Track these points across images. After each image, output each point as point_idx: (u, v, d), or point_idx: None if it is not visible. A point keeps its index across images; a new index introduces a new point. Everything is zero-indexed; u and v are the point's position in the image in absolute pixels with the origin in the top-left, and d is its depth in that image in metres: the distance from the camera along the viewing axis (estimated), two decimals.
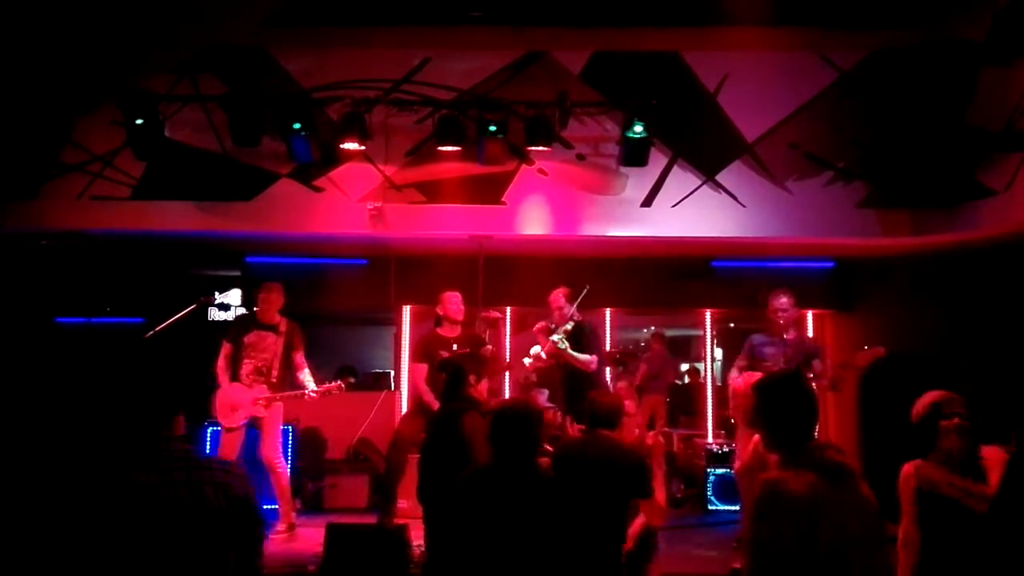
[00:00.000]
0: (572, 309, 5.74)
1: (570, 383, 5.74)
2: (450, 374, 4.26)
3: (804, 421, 2.52)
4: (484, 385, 5.36)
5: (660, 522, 4.08)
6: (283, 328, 5.86)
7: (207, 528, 1.88)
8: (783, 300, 5.60)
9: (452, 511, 3.04)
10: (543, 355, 5.76)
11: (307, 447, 7.02)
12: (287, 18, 6.46)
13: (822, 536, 2.23)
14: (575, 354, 5.61)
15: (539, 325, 6.05)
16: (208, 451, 6.27)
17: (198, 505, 1.88)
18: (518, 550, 2.86)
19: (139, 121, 5.97)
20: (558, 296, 5.86)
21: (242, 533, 1.94)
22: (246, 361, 5.75)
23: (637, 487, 3.75)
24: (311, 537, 5.30)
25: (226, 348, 5.82)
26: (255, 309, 6.12)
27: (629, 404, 4.41)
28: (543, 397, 7.42)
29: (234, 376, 5.72)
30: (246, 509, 1.96)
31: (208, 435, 6.46)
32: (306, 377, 5.84)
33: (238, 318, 6.48)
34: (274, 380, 5.75)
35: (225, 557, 1.91)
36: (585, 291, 5.79)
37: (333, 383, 5.95)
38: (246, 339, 5.79)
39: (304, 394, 5.75)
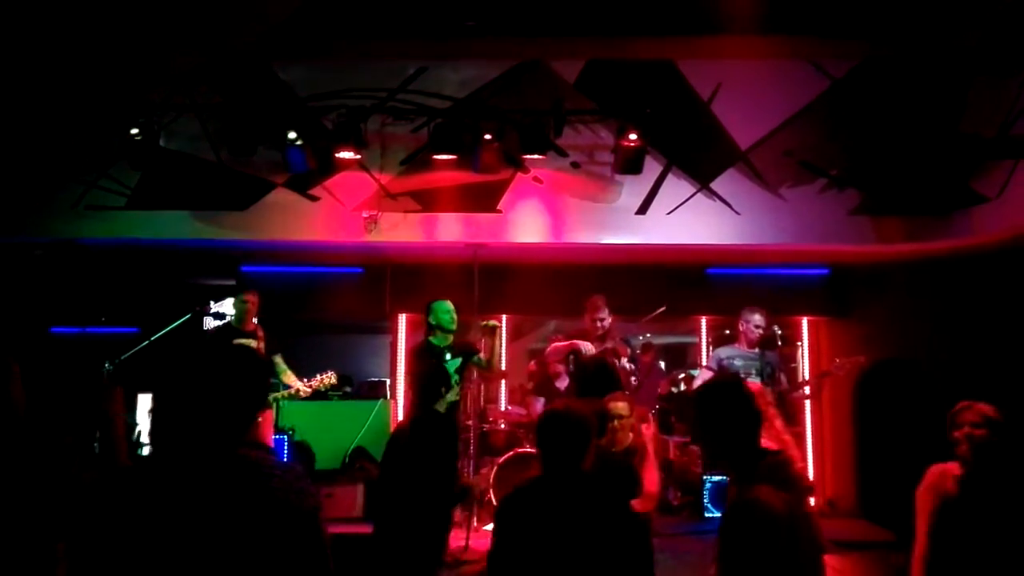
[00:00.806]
0: (610, 320, 5.86)
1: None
2: (424, 384, 4.20)
3: (751, 430, 2.40)
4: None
5: (651, 506, 4.13)
6: (260, 334, 5.98)
7: (250, 532, 1.79)
8: (758, 317, 5.64)
9: (501, 528, 2.87)
10: (590, 349, 5.75)
11: (302, 456, 7.01)
12: (283, 29, 6.47)
13: (799, 551, 2.17)
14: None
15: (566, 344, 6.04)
16: None
17: (239, 511, 1.79)
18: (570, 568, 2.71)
19: (134, 131, 5.98)
20: (599, 304, 5.81)
21: (286, 542, 1.81)
22: None
23: (628, 491, 3.81)
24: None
25: None
26: (230, 318, 6.23)
27: (624, 405, 4.42)
28: (539, 405, 7.42)
29: None
30: (288, 515, 1.83)
31: None
32: (290, 377, 5.96)
33: (217, 329, 6.50)
34: None
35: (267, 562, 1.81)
36: (661, 310, 5.82)
37: (324, 374, 6.00)
38: None
39: (297, 390, 5.84)
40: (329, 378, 6.02)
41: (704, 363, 5.86)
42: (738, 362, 5.62)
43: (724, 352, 5.76)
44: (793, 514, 2.20)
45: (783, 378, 5.84)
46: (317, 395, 6.49)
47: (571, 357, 5.90)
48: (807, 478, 2.31)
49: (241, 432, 1.90)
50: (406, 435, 4.04)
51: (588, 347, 5.76)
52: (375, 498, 4.12)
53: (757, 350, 5.64)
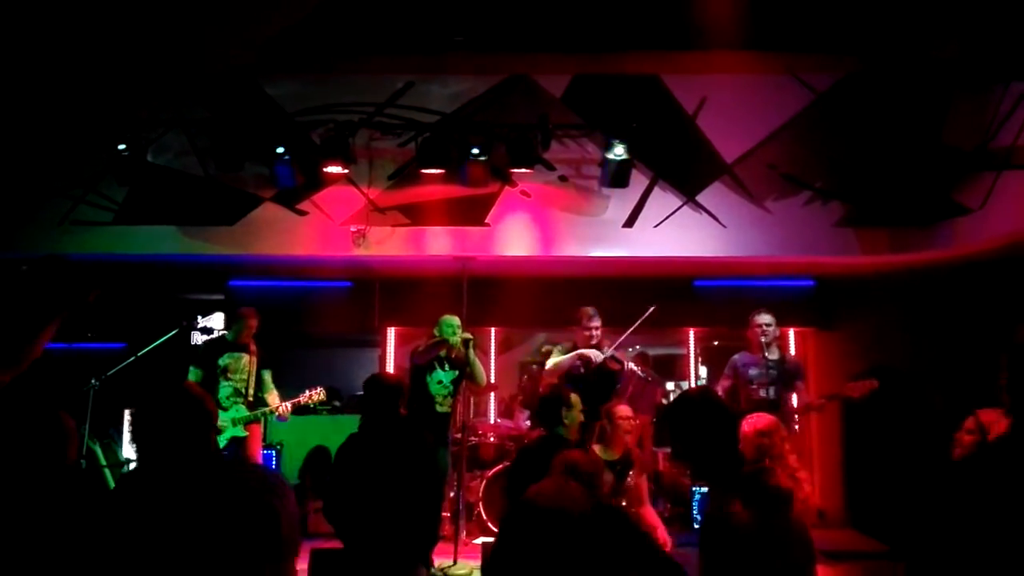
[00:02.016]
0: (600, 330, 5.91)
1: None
2: (390, 392, 4.21)
3: (728, 443, 2.36)
4: None
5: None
6: (253, 348, 6.00)
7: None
8: (765, 318, 5.63)
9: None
10: (600, 359, 5.77)
11: (321, 462, 6.99)
12: (272, 45, 6.49)
13: (775, 562, 2.16)
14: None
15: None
16: None
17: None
18: None
19: (121, 146, 5.96)
20: (591, 314, 5.86)
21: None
22: (224, 384, 5.84)
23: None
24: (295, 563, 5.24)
25: (197, 374, 5.85)
26: (225, 333, 6.25)
27: (627, 409, 4.51)
28: (523, 416, 7.45)
29: None
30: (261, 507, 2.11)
31: None
32: (272, 396, 6.00)
33: (209, 343, 6.48)
34: (250, 399, 5.84)
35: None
36: (652, 310, 5.81)
37: (313, 389, 6.03)
38: (221, 362, 5.88)
39: (287, 406, 5.87)
40: (318, 394, 6.02)
41: (725, 370, 5.85)
42: (753, 371, 5.57)
43: (740, 359, 5.70)
44: (767, 526, 2.18)
45: (802, 386, 5.78)
46: (306, 410, 6.48)
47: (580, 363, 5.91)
48: (800, 488, 2.26)
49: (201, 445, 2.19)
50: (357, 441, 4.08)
51: (597, 355, 5.79)
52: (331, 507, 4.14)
53: (771, 359, 5.56)
